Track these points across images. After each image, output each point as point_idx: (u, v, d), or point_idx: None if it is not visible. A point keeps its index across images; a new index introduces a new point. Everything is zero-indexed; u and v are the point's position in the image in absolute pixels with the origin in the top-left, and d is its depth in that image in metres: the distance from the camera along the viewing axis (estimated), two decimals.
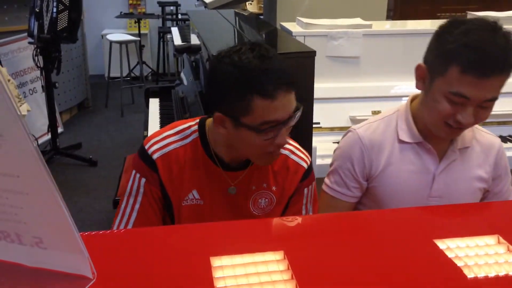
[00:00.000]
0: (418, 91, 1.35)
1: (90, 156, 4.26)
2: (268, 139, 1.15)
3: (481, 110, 1.21)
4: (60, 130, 4.54)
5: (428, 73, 1.27)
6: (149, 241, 0.96)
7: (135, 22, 6.39)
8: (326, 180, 1.47)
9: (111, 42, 5.72)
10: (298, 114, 1.18)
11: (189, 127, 1.32)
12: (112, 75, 5.94)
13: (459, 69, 1.16)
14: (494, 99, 1.19)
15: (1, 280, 0.74)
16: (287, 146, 1.35)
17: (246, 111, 1.12)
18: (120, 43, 5.70)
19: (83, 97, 5.60)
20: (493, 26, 1.17)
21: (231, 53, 1.15)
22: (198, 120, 1.33)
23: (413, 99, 1.40)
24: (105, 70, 6.29)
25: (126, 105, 5.73)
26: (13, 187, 0.64)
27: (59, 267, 0.73)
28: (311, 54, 1.79)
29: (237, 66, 1.12)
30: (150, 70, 6.69)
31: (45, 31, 3.71)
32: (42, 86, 4.06)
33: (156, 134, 1.31)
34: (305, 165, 1.36)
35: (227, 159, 1.29)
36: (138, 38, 5.97)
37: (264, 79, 1.10)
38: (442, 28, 1.24)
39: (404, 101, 1.44)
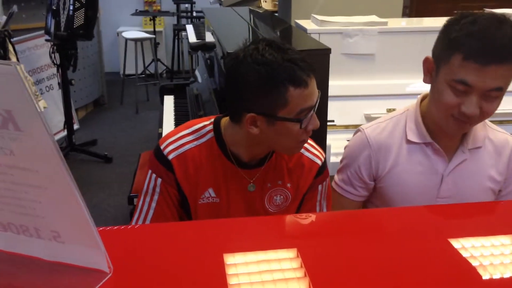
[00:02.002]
0: (428, 90, 1.34)
1: (106, 153, 4.30)
2: (305, 126, 1.18)
3: (485, 102, 1.19)
4: (76, 126, 4.59)
5: (435, 64, 1.26)
6: (164, 237, 0.97)
7: (150, 20, 6.43)
8: (336, 176, 1.48)
9: (126, 39, 5.76)
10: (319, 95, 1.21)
11: (204, 126, 1.32)
12: (127, 72, 5.98)
13: (462, 57, 1.16)
14: (498, 89, 1.17)
15: (18, 274, 0.75)
16: None
17: (283, 104, 1.14)
18: (135, 40, 5.74)
19: (98, 94, 5.65)
20: (501, 18, 1.17)
21: (251, 53, 1.16)
22: (213, 120, 1.33)
23: (423, 98, 1.38)
24: (120, 68, 6.34)
25: (141, 102, 5.77)
26: (32, 181, 0.65)
27: (76, 261, 0.74)
28: (326, 51, 1.79)
29: (263, 63, 1.13)
30: (165, 68, 6.73)
31: (62, 29, 3.75)
32: (59, 83, 4.11)
33: (171, 134, 1.32)
34: (319, 162, 1.36)
35: (246, 157, 1.29)
36: (153, 36, 6.00)
37: (295, 68, 1.13)
38: (450, 20, 1.24)
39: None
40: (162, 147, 1.29)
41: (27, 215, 0.70)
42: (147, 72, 6.29)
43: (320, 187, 1.38)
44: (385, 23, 2.40)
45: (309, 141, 1.37)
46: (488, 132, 1.39)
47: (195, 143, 1.30)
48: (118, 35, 6.70)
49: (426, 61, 1.30)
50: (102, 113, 5.56)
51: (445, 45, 1.22)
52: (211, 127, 1.31)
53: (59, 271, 0.74)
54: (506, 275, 0.82)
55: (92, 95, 5.49)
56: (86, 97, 5.34)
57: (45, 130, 0.59)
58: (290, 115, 1.15)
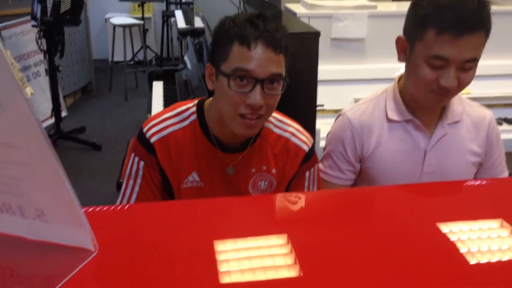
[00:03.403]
0: (404, 70, 1.35)
1: (94, 140, 4.27)
2: (239, 93, 1.14)
3: (462, 73, 1.21)
4: (64, 114, 4.54)
5: (408, 43, 1.29)
6: (151, 217, 0.96)
7: (139, 6, 6.35)
8: (320, 165, 1.47)
9: (114, 25, 5.69)
10: (281, 83, 1.17)
11: (188, 109, 1.30)
12: (115, 59, 5.92)
13: (435, 31, 1.19)
14: (473, 59, 1.20)
15: (1, 254, 0.74)
16: (288, 129, 1.34)
17: (225, 57, 1.15)
18: (124, 26, 5.67)
19: (86, 81, 5.60)
20: None
21: (236, 14, 1.19)
22: (196, 102, 1.32)
23: (400, 78, 1.40)
24: (108, 54, 6.26)
25: (130, 89, 5.73)
26: (14, 158, 0.64)
27: (60, 240, 0.73)
28: (315, 35, 1.77)
29: (232, 19, 1.17)
30: (154, 54, 6.67)
31: (48, 14, 3.69)
32: (46, 70, 4.05)
33: (154, 117, 1.30)
34: (306, 148, 1.34)
35: (224, 139, 1.28)
36: (142, 22, 5.93)
37: (245, 27, 1.13)
38: None
39: None
40: (144, 130, 1.28)
41: (9, 193, 0.68)
42: (136, 59, 6.23)
43: (307, 173, 1.36)
44: (375, 7, 2.40)
45: (296, 126, 1.36)
46: (465, 107, 1.42)
47: (178, 125, 1.28)
48: (106, 21, 6.62)
49: (398, 40, 1.32)
50: (91, 100, 5.51)
51: (417, 22, 1.24)
52: (194, 109, 1.30)
53: (43, 250, 0.73)
54: (493, 260, 0.82)
55: (80, 82, 5.43)
56: (74, 84, 5.29)
57: (26, 104, 0.58)
58: (227, 70, 1.14)
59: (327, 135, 1.49)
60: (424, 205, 1.05)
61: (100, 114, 5.11)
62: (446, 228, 0.91)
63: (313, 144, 1.37)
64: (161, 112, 1.32)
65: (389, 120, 1.38)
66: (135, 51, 6.12)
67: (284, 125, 1.34)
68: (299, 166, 1.33)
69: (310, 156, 1.35)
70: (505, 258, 0.83)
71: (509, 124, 2.29)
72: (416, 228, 0.94)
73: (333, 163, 1.44)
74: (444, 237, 0.88)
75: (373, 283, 0.76)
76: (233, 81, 1.13)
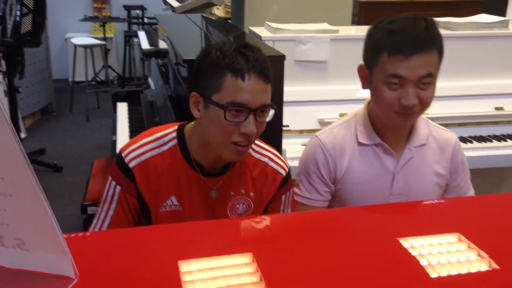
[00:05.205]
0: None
1: (55, 162, 4.18)
2: (233, 123, 1.16)
3: (421, 91, 1.27)
4: (23, 135, 4.44)
5: (367, 69, 1.35)
6: (119, 243, 0.96)
7: (100, 26, 6.30)
8: (296, 190, 1.50)
9: (75, 45, 5.62)
10: (271, 112, 1.20)
11: (167, 134, 1.31)
12: (76, 79, 5.83)
13: (387, 54, 1.26)
14: (429, 75, 1.26)
15: None
16: (266, 153, 1.37)
17: (217, 88, 1.16)
18: (85, 47, 5.61)
19: (46, 101, 5.49)
20: (415, 16, 1.29)
21: (219, 43, 1.21)
22: (176, 127, 1.33)
23: (369, 102, 1.45)
24: (69, 74, 6.17)
25: (91, 110, 5.64)
26: None
27: (41, 268, 0.73)
28: (281, 58, 1.82)
29: (219, 49, 1.18)
30: (116, 75, 6.61)
31: (8, 35, 3.63)
32: (5, 91, 3.96)
33: (133, 142, 1.31)
34: (283, 172, 1.37)
35: (206, 163, 1.30)
36: (104, 42, 5.89)
37: (238, 58, 1.15)
38: (372, 26, 1.35)
39: None
40: (123, 155, 1.28)
41: None
42: (98, 79, 6.16)
43: (283, 197, 1.39)
44: (337, 31, 2.47)
45: (273, 151, 1.39)
46: (431, 130, 1.48)
47: (157, 150, 1.29)
48: (66, 41, 6.52)
49: (360, 69, 1.39)
50: (51, 121, 5.40)
51: (371, 49, 1.32)
52: (174, 134, 1.31)
53: (23, 279, 0.73)
54: (453, 273, 0.86)
55: (40, 102, 5.32)
56: (33, 104, 5.18)
57: (11, 135, 0.59)
58: (221, 101, 1.15)
59: (300, 159, 1.52)
60: (386, 223, 1.09)
61: (60, 135, 5.01)
62: (407, 243, 0.95)
63: (289, 169, 1.41)
64: (138, 136, 1.32)
65: (360, 144, 1.43)
66: (97, 71, 6.06)
67: (262, 149, 1.37)
68: (277, 190, 1.37)
69: (287, 180, 1.39)
70: (463, 270, 0.87)
71: (464, 142, 2.40)
72: (379, 245, 0.97)
73: (309, 186, 1.47)
74: (405, 251, 0.92)
75: None
76: (228, 113, 1.15)
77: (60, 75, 6.58)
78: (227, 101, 1.15)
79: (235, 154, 1.21)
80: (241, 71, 1.14)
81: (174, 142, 1.30)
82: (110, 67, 6.27)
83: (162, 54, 3.00)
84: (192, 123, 1.32)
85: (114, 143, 2.57)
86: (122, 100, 3.21)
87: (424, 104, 1.30)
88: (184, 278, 0.81)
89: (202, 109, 1.21)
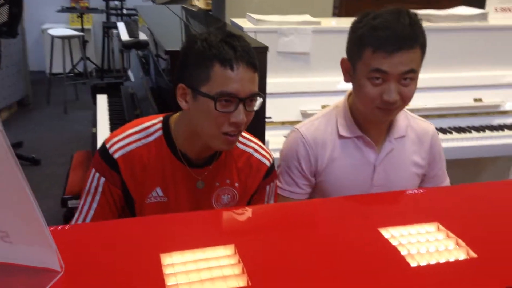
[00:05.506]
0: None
1: (33, 155, 4.12)
2: (224, 113, 1.16)
3: (403, 87, 1.28)
4: None
5: (350, 63, 1.35)
6: (101, 236, 0.95)
7: (78, 17, 6.20)
8: (276, 181, 1.50)
9: (53, 37, 5.52)
10: (259, 101, 1.21)
11: (153, 125, 1.30)
12: (54, 71, 5.74)
13: (372, 50, 1.26)
14: (411, 71, 1.27)
15: None
16: (251, 144, 1.37)
17: (206, 79, 1.15)
18: (63, 38, 5.51)
19: (23, 94, 5.38)
20: (399, 10, 1.29)
21: (202, 34, 1.20)
22: (161, 118, 1.32)
23: (350, 94, 1.46)
24: (46, 66, 6.07)
25: (69, 102, 5.56)
26: None
27: (25, 261, 0.72)
28: (263, 49, 1.82)
29: (204, 39, 1.17)
30: (94, 66, 6.52)
31: None
32: None
33: (117, 133, 1.29)
34: (267, 163, 1.38)
35: (192, 155, 1.29)
36: (82, 33, 5.79)
37: (226, 48, 1.14)
38: (355, 20, 1.34)
39: None
40: (108, 146, 1.27)
41: None
42: (76, 71, 6.07)
43: (268, 187, 1.40)
44: (318, 23, 2.48)
45: (258, 142, 1.39)
46: (410, 121, 1.49)
47: (143, 141, 1.28)
48: (43, 32, 6.40)
49: (342, 62, 1.39)
50: (27, 114, 5.30)
51: (355, 43, 1.32)
52: (159, 125, 1.30)
53: (7, 272, 0.71)
54: (432, 262, 0.88)
55: (16, 95, 5.22)
56: (10, 96, 5.08)
57: None
58: (210, 92, 1.15)
59: (281, 151, 1.52)
60: (367, 213, 1.10)
61: (38, 127, 4.93)
62: (387, 233, 0.97)
63: (273, 160, 1.41)
64: (123, 127, 1.31)
65: (341, 136, 1.44)
66: (75, 62, 5.96)
67: (246, 140, 1.37)
68: (261, 181, 1.37)
69: (271, 171, 1.39)
70: (442, 259, 0.89)
71: (443, 133, 2.43)
72: (359, 235, 0.98)
73: (289, 179, 1.48)
74: (385, 241, 0.93)
75: None
76: (218, 103, 1.14)
77: (37, 67, 6.45)
78: (217, 91, 1.14)
79: (226, 144, 1.22)
80: (230, 61, 1.14)
81: (160, 133, 1.29)
82: (88, 58, 6.17)
83: (142, 45, 2.96)
84: (177, 114, 1.31)
85: (94, 135, 2.53)
86: (101, 92, 3.17)
87: (405, 100, 1.31)
88: (166, 270, 0.81)
89: (190, 100, 1.20)
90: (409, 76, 1.28)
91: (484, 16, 2.70)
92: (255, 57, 1.18)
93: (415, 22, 1.27)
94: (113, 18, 6.54)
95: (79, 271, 0.79)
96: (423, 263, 0.87)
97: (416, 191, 1.25)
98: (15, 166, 0.60)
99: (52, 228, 0.91)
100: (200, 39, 1.18)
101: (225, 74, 1.14)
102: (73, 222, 1.29)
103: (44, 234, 0.67)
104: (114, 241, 0.92)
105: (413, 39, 1.26)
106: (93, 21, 6.79)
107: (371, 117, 1.36)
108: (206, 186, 1.32)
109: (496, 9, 2.89)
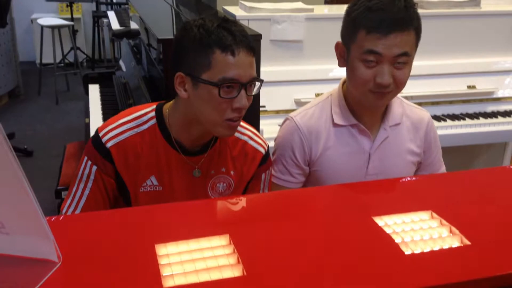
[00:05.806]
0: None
1: (25, 146, 4.09)
2: (227, 99, 1.16)
3: (396, 70, 1.28)
4: None
5: (345, 47, 1.35)
6: (96, 226, 0.94)
7: (67, 6, 6.12)
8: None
9: (42, 26, 5.46)
10: (258, 85, 1.21)
11: (146, 113, 1.30)
12: (44, 61, 5.68)
13: (365, 31, 1.26)
14: (404, 54, 1.27)
15: None
16: (246, 132, 1.37)
17: (207, 66, 1.15)
18: (52, 27, 5.45)
19: (13, 85, 5.33)
20: None
21: (197, 20, 1.19)
22: (154, 106, 1.31)
23: (344, 82, 1.45)
24: (36, 56, 6.00)
25: (61, 93, 5.51)
26: None
27: (22, 252, 0.71)
28: (257, 37, 1.81)
29: (201, 26, 1.16)
30: (85, 56, 6.46)
31: None
32: None
33: (110, 122, 1.28)
34: (263, 151, 1.38)
35: (186, 143, 1.29)
36: (72, 23, 5.73)
37: (224, 34, 1.14)
38: (351, 3, 1.34)
39: None
40: (100, 135, 1.26)
41: None
42: (66, 61, 6.01)
43: (263, 175, 1.40)
44: (311, 10, 2.46)
45: (253, 130, 1.39)
46: (405, 109, 1.49)
47: (136, 130, 1.27)
48: (32, 22, 6.32)
49: (337, 46, 1.39)
50: (19, 105, 5.26)
51: (349, 26, 1.32)
52: (153, 114, 1.29)
53: (5, 263, 0.71)
54: (426, 250, 0.88)
55: (7, 86, 5.17)
56: (0, 88, 5.03)
57: None
58: (212, 79, 1.15)
59: (275, 140, 1.52)
60: (361, 201, 1.10)
61: (29, 119, 4.89)
62: (381, 221, 0.97)
63: (268, 147, 1.41)
64: (117, 116, 1.30)
65: (335, 125, 1.43)
66: (65, 52, 5.90)
67: (241, 128, 1.37)
68: (257, 168, 1.37)
69: (266, 159, 1.39)
70: (436, 246, 0.89)
71: (437, 121, 2.44)
72: (354, 223, 0.98)
73: (283, 168, 1.47)
74: (380, 229, 0.93)
75: (314, 278, 0.79)
76: (221, 90, 1.14)
77: (27, 57, 6.39)
78: (219, 78, 1.14)
79: (229, 130, 1.22)
80: (230, 47, 1.13)
81: (153, 121, 1.29)
82: (79, 48, 6.12)
83: (133, 34, 2.93)
84: (171, 102, 1.30)
85: (87, 126, 2.52)
86: (93, 82, 3.15)
87: (398, 85, 1.31)
88: (161, 261, 0.80)
89: (190, 89, 1.19)
90: (403, 60, 1.27)
91: (476, 2, 2.70)
92: (252, 42, 1.18)
93: (410, 6, 1.27)
94: (103, 7, 6.46)
95: (74, 262, 0.78)
96: (417, 251, 0.87)
97: (409, 178, 1.25)
98: (11, 156, 0.59)
99: (46, 219, 0.90)
100: (196, 25, 1.17)
101: (226, 60, 1.14)
102: (64, 207, 1.29)
103: (42, 224, 0.67)
104: (109, 231, 0.92)
105: (407, 22, 1.26)
106: (83, 10, 6.72)
107: (364, 101, 1.36)
108: (201, 175, 1.32)
109: None
